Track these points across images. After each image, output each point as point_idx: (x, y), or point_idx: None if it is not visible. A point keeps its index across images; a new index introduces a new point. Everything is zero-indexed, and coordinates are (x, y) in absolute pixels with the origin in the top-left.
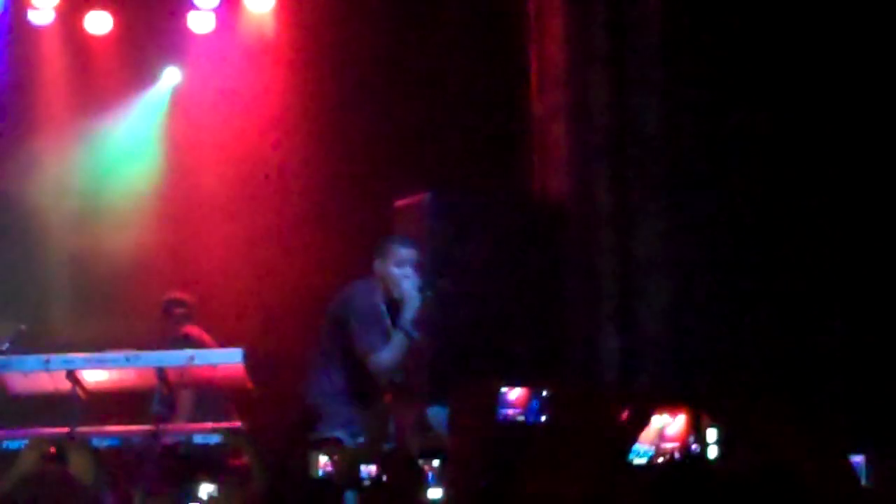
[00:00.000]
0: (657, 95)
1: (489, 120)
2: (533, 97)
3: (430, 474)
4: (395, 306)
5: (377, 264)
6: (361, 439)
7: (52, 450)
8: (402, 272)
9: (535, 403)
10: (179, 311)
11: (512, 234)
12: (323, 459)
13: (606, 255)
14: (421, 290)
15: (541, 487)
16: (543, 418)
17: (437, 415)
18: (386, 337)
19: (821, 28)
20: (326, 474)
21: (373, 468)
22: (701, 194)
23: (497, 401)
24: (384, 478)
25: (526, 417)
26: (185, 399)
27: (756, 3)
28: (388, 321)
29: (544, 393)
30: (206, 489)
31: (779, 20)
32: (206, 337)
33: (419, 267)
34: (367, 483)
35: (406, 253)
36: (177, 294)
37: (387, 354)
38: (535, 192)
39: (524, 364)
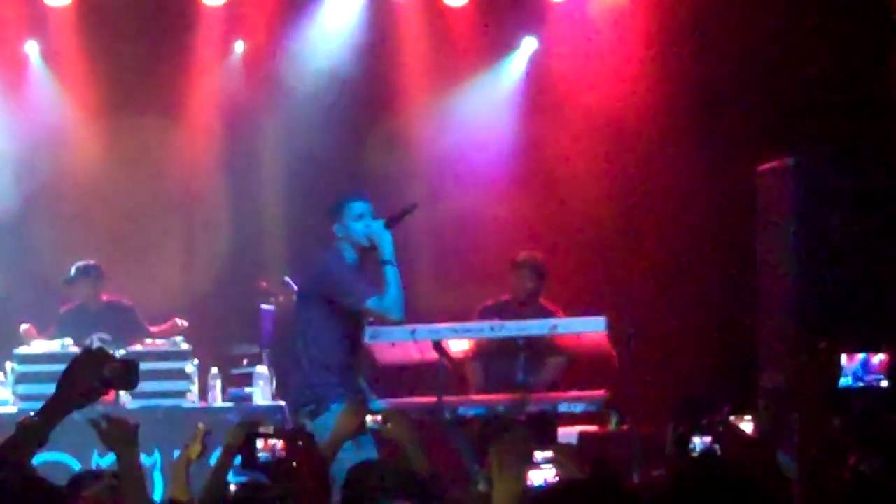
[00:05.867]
0: None
1: (858, 84)
2: None
3: None
4: (365, 257)
5: (337, 228)
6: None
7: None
8: (363, 223)
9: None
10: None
11: (878, 199)
12: None
13: None
14: (387, 224)
15: None
16: (884, 384)
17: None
18: (373, 284)
19: None
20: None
21: None
22: None
23: (838, 367)
24: None
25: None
26: (550, 368)
27: None
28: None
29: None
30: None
31: None
32: (558, 311)
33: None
34: None
35: (359, 206)
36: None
37: (391, 292)
38: None
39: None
